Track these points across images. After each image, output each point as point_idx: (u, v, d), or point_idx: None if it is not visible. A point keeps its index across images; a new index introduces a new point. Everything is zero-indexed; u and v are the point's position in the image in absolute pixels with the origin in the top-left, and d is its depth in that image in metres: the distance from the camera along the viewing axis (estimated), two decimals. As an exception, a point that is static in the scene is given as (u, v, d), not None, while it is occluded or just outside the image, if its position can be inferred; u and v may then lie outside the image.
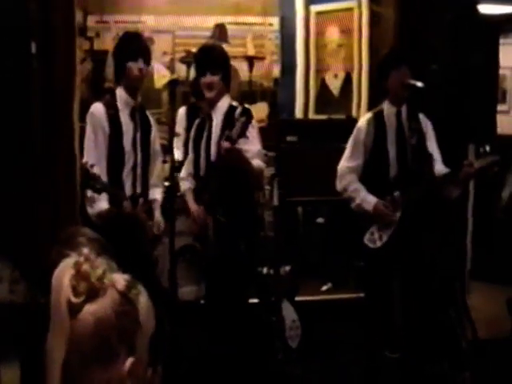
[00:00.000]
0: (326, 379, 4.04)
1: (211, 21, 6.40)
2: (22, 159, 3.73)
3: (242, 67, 6.33)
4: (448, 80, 4.53)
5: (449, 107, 4.49)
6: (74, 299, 1.13)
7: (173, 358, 3.30)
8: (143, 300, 1.20)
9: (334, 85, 6.33)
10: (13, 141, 3.73)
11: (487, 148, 3.54)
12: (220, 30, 6.17)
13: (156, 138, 3.70)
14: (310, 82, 6.42)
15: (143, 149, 3.56)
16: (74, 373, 1.13)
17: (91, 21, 6.44)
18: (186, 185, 3.81)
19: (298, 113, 6.46)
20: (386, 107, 3.74)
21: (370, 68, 5.82)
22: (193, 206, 3.70)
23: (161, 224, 3.58)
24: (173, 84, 4.14)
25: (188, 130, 4.12)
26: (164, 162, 3.93)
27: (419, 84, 3.58)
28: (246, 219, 3.70)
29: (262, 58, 6.64)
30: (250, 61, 6.36)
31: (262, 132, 3.85)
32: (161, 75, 6.08)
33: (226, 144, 3.41)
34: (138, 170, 3.54)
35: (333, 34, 6.32)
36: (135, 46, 3.52)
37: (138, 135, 3.53)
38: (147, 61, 3.53)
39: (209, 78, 3.66)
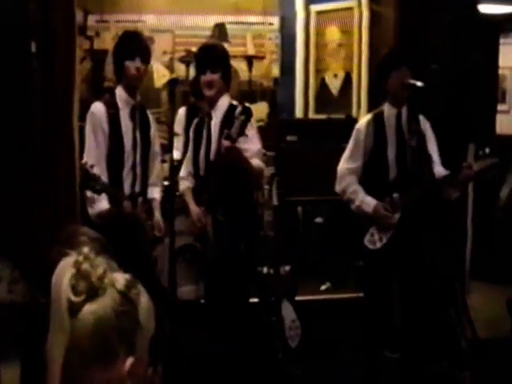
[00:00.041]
0: (326, 379, 4.03)
1: (211, 20, 6.41)
2: (22, 159, 3.72)
3: (241, 67, 6.34)
4: (448, 80, 4.53)
5: (449, 107, 4.49)
6: (73, 298, 1.13)
7: (173, 357, 3.30)
8: (143, 300, 1.20)
9: (334, 84, 6.33)
10: (13, 141, 3.73)
11: (487, 150, 3.53)
12: (220, 30, 6.18)
13: (155, 137, 3.69)
14: (310, 82, 6.42)
15: (143, 148, 3.55)
16: (73, 372, 1.13)
17: (91, 20, 6.43)
18: (185, 184, 3.79)
19: (298, 112, 6.46)
20: (387, 109, 3.72)
21: (369, 68, 5.81)
22: (193, 207, 3.67)
23: (161, 224, 3.58)
24: (172, 83, 4.15)
25: (187, 130, 4.11)
26: (163, 161, 3.92)
27: (419, 84, 3.57)
28: (246, 219, 3.69)
29: (262, 58, 6.64)
30: (250, 60, 6.37)
31: (262, 132, 3.85)
32: (160, 74, 6.09)
33: (226, 142, 3.40)
34: (138, 169, 3.53)
35: (333, 33, 6.32)
36: (133, 44, 3.50)
37: (138, 134, 3.53)
38: (145, 60, 3.51)
39: (209, 76, 3.64)
